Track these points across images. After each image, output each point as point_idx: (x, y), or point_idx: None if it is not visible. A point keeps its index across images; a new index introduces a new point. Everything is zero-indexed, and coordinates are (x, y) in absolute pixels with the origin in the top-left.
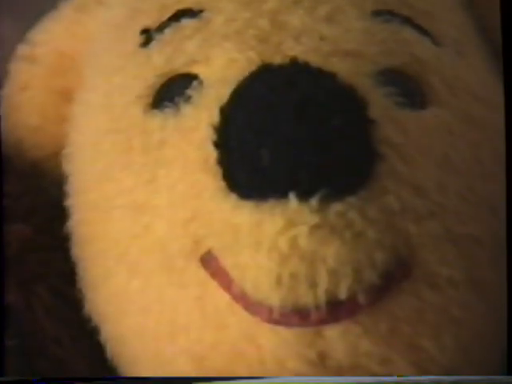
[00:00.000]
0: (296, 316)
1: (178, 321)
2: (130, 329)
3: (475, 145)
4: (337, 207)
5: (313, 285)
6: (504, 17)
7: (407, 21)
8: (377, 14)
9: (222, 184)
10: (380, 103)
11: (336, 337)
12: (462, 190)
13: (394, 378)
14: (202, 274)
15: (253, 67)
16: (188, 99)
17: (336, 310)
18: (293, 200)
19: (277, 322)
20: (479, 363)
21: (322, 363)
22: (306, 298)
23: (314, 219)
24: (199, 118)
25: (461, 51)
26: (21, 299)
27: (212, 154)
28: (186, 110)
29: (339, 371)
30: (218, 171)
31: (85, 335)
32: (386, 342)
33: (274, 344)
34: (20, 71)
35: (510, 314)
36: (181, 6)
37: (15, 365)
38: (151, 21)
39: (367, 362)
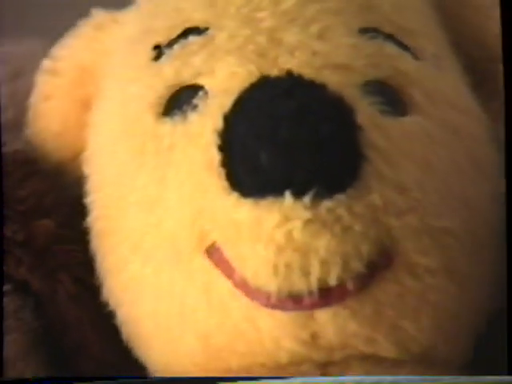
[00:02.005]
0: (291, 301)
1: (187, 304)
2: (144, 312)
3: (451, 148)
4: (327, 204)
5: (306, 273)
6: (504, 17)
7: (390, 37)
8: (363, 31)
9: (225, 183)
10: (366, 111)
11: (327, 319)
12: (438, 189)
13: (394, 378)
14: (207, 263)
15: (253, 79)
16: (195, 108)
17: (326, 295)
18: (288, 198)
19: (274, 307)
20: (453, 341)
21: (313, 343)
22: (299, 284)
23: (307, 215)
24: (205, 124)
25: (438, 65)
26: (46, 286)
27: (216, 156)
28: (193, 117)
29: (329, 350)
30: (221, 172)
31: (103, 318)
32: (371, 323)
33: (271, 326)
34: (45, 83)
35: (509, 313)
36: (188, 25)
37: (41, 344)
38: (162, 38)
39: (354, 342)
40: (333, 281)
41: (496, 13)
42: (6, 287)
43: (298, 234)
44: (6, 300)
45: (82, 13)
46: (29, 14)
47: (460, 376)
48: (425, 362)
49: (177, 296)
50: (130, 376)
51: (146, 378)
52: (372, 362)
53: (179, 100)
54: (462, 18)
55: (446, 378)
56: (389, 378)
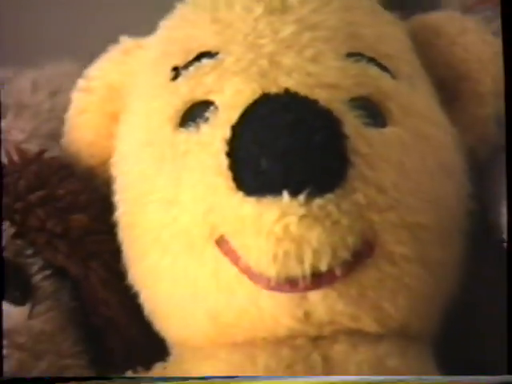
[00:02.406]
0: (288, 284)
1: (199, 287)
2: (162, 294)
3: (423, 154)
4: (319, 202)
5: (300, 261)
6: (504, 17)
7: (372, 61)
8: (349, 55)
9: (232, 184)
10: (352, 123)
11: (318, 300)
12: (413, 189)
13: (394, 378)
14: (217, 252)
15: (256, 96)
16: (206, 120)
17: (318, 279)
18: (285, 196)
19: (273, 289)
20: (425, 318)
21: (307, 320)
22: (295, 270)
23: (302, 211)
24: (215, 134)
25: (412, 84)
26: (81, 272)
27: (224, 161)
28: (205, 128)
29: (320, 326)
30: (228, 175)
31: (128, 298)
32: (355, 303)
33: (271, 305)
34: (79, 99)
35: (509, 313)
36: (202, 50)
37: (76, 321)
38: (179, 61)
39: (341, 319)
40: (323, 267)
41: (461, 39)
42: (46, 272)
43: (293, 228)
44: (46, 283)
45: (112, 39)
46: (66, 40)
47: (460, 376)
48: (401, 335)
49: (190, 280)
50: (130, 376)
51: (145, 377)
52: (356, 336)
53: (193, 114)
54: (431, 44)
55: (446, 378)
56: (388, 378)
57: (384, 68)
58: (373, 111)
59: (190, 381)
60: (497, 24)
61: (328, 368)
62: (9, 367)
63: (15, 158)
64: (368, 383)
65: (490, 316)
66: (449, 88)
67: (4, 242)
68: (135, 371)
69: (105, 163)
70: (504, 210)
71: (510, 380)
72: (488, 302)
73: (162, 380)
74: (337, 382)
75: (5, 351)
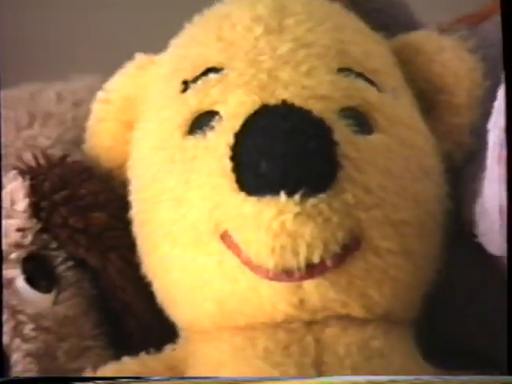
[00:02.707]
0: (284, 274)
1: (205, 277)
2: (172, 282)
3: (405, 159)
4: (312, 201)
5: (296, 253)
6: (504, 17)
7: (360, 75)
8: (340, 70)
9: (235, 185)
10: (341, 131)
11: (311, 288)
12: (396, 190)
13: (394, 378)
14: (221, 246)
15: (256, 107)
16: (212, 128)
17: (311, 270)
18: (282, 196)
19: (271, 279)
20: (407, 305)
21: (301, 306)
22: (291, 262)
23: (297, 209)
24: (220, 141)
25: (396, 95)
26: (100, 263)
27: (228, 165)
28: (211, 135)
29: (313, 312)
30: (232, 177)
31: (143, 286)
32: (345, 291)
33: (269, 293)
34: (99, 109)
35: (509, 313)
36: (208, 65)
37: (96, 306)
38: (188, 75)
39: (332, 305)
40: (316, 259)
41: (439, 56)
42: (69, 263)
43: (289, 224)
44: (69, 273)
45: (128, 56)
46: (87, 57)
47: (460, 376)
48: (385, 320)
49: (197, 270)
50: (131, 376)
51: (145, 378)
52: (345, 321)
53: (200, 122)
54: (412, 60)
55: (446, 378)
56: (388, 377)
57: (371, 82)
58: (360, 120)
59: (190, 381)
60: (472, 42)
61: (320, 349)
62: (36, 348)
63: (41, 161)
64: (368, 383)
65: (465, 297)
66: (428, 100)
67: (31, 237)
68: (148, 352)
69: (121, 166)
70: (476, 208)
71: (510, 380)
72: (463, 285)
73: (163, 380)
74: (337, 382)
75: (33, 333)
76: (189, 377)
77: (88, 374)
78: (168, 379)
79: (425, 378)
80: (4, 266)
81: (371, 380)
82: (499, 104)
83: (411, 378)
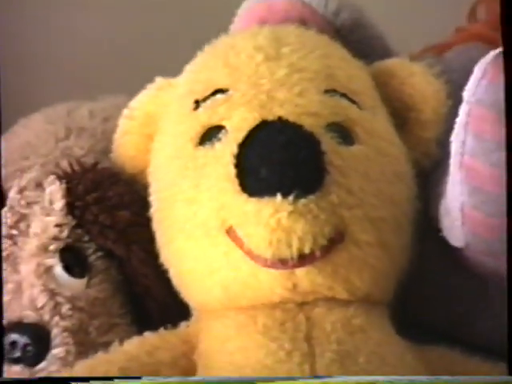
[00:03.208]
0: (280, 263)
1: (213, 265)
2: (186, 270)
3: (382, 165)
4: (303, 201)
5: (289, 246)
6: (504, 17)
7: (344, 96)
8: (327, 91)
9: (238, 188)
10: (328, 142)
11: (303, 275)
12: (374, 192)
13: (394, 378)
14: (227, 239)
15: (257, 122)
16: (219, 140)
17: (302, 260)
18: (278, 197)
19: (269, 267)
20: (383, 290)
21: (294, 290)
22: (285, 253)
23: (290, 208)
24: (225, 151)
25: (374, 112)
26: (125, 254)
27: (233, 171)
28: (218, 146)
29: (304, 294)
30: (236, 181)
31: (161, 273)
32: (330, 277)
33: (267, 279)
34: (124, 124)
35: (510, 313)
36: (216, 87)
37: (122, 290)
38: (199, 96)
39: (320, 289)
40: (307, 250)
41: (409, 80)
42: (99, 254)
43: (284, 221)
44: (99, 262)
45: (149, 79)
46: (114, 79)
47: (460, 376)
48: (365, 301)
49: (207, 260)
50: (133, 377)
51: (146, 378)
52: (331, 302)
53: (209, 135)
54: (387, 83)
55: (446, 378)
56: (388, 378)
57: (353, 101)
58: (344, 133)
59: (189, 381)
60: (437, 68)
61: (310, 326)
62: (71, 325)
63: (76, 168)
64: (368, 383)
65: (431, 281)
66: (400, 116)
67: (67, 232)
68: (166, 328)
69: (143, 172)
70: (440, 208)
71: (510, 380)
72: (429, 271)
73: (163, 380)
74: (337, 382)
75: (69, 312)
76: (189, 377)
77: (114, 346)
78: (168, 379)
79: (425, 378)
80: (44, 256)
81: (372, 380)
82: (460, 120)
83: (413, 378)
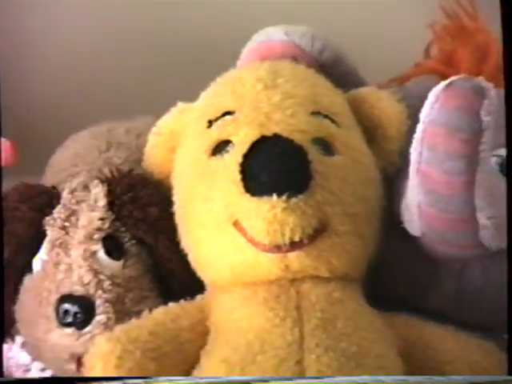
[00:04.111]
0: (276, 249)
1: (223, 251)
2: (201, 254)
3: (356, 172)
4: (294, 200)
5: (283, 235)
6: (504, 17)
7: (327, 117)
8: (313, 113)
9: (243, 190)
10: (313, 153)
11: (293, 258)
12: (351, 192)
13: (394, 378)
14: (234, 230)
15: (257, 137)
16: (227, 151)
17: (293, 246)
18: (274, 197)
19: (267, 251)
20: (358, 270)
21: (287, 269)
22: (280, 240)
23: (284, 205)
24: (233, 160)
25: (350, 129)
26: (153, 242)
27: (238, 176)
28: (227, 156)
29: (295, 273)
30: (241, 184)
31: (182, 257)
32: (316, 259)
33: (266, 261)
34: (153, 139)
35: (510, 313)
36: (225, 110)
37: (151, 271)
38: (212, 116)
39: (307, 269)
40: (297, 239)
41: (377, 104)
42: (133, 241)
43: (279, 215)
44: (132, 248)
45: (173, 103)
46: (146, 104)
47: (460, 376)
48: (343, 279)
49: (218, 246)
50: (132, 377)
51: (145, 378)
52: (316, 279)
53: (220, 148)
54: (360, 107)
55: (446, 378)
56: (388, 377)
57: (333, 121)
58: (326, 146)
59: (190, 381)
60: (399, 95)
61: (299, 298)
62: (111, 297)
63: (115, 174)
64: (368, 383)
65: (394, 263)
66: (370, 133)
67: (108, 224)
68: (185, 300)
69: (168, 177)
70: (402, 205)
71: (510, 380)
72: (393, 254)
73: (163, 380)
74: (337, 382)
75: (109, 287)
76: (189, 377)
77: (144, 314)
78: (168, 379)
79: (427, 378)
80: (90, 243)
81: (374, 381)
82: (417, 136)
83: (413, 378)
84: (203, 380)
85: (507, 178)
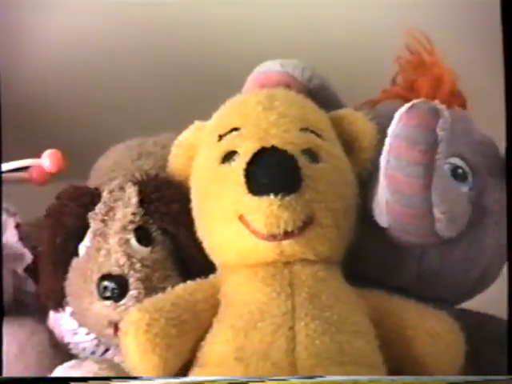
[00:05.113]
0: (272, 238)
1: (230, 239)
2: (213, 242)
3: (338, 176)
4: (287, 199)
5: (278, 227)
6: (504, 17)
7: (313, 132)
8: (302, 129)
9: (246, 191)
10: (303, 161)
11: (287, 244)
12: (333, 192)
13: (394, 378)
14: (239, 222)
15: (258, 148)
16: (234, 160)
17: (286, 235)
18: (272, 196)
19: (265, 240)
20: (337, 254)
21: (281, 254)
22: (276, 231)
23: (279, 203)
24: (238, 167)
25: (331, 142)
26: (175, 231)
27: (243, 179)
28: (234, 164)
29: (287, 257)
30: (245, 186)
31: (199, 244)
32: (304, 246)
33: (264, 247)
34: (174, 150)
35: (510, 313)
36: (232, 127)
37: (174, 255)
38: (222, 132)
39: (297, 253)
40: (289, 229)
41: (355, 122)
42: (159, 231)
43: (275, 211)
44: (159, 236)
45: (191, 122)
46: (168, 123)
47: (460, 376)
48: (326, 262)
49: (226, 235)
50: (131, 377)
51: (147, 378)
52: (305, 262)
53: (228, 157)
54: (340, 124)
55: (446, 378)
56: (388, 377)
57: (318, 135)
58: (313, 156)
59: (190, 381)
60: (371, 115)
61: (292, 277)
62: (141, 276)
63: (144, 177)
64: (368, 383)
65: (366, 248)
66: (348, 145)
67: (139, 217)
68: (201, 278)
69: (187, 180)
70: (373, 202)
71: (510, 380)
72: (366, 241)
73: (163, 380)
74: (337, 381)
75: (140, 268)
76: (189, 377)
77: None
78: (168, 379)
79: (428, 378)
80: (124, 233)
81: (373, 381)
82: (385, 147)
83: (413, 378)
84: (204, 380)
85: (507, 178)
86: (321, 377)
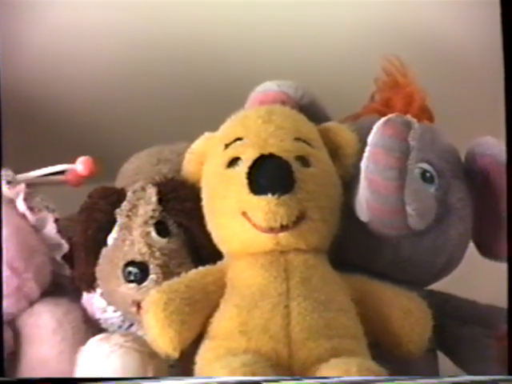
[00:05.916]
0: (270, 230)
1: (234, 231)
2: (221, 234)
3: (326, 178)
4: (283, 197)
5: (275, 221)
6: (504, 17)
7: (304, 141)
8: (295, 139)
9: (248, 191)
10: (296, 166)
11: (282, 236)
12: (321, 192)
13: (394, 378)
14: (242, 217)
15: (258, 155)
16: (238, 165)
17: (282, 228)
18: (270, 195)
19: (265, 232)
20: (325, 244)
21: (278, 244)
22: (273, 225)
23: (276, 201)
24: (242, 171)
25: (320, 150)
26: (189, 224)
27: (245, 181)
28: (237, 168)
29: (283, 246)
30: (247, 187)
31: (208, 235)
32: (298, 237)
33: (264, 239)
34: (188, 157)
35: (510, 314)
36: (236, 137)
37: (188, 245)
38: (228, 141)
39: (291, 244)
40: (284, 224)
41: (340, 133)
42: (175, 225)
43: (273, 208)
44: (174, 229)
45: (201, 133)
46: (185, 133)
47: (460, 376)
48: (316, 251)
49: (231, 228)
50: (132, 377)
51: (145, 378)
52: (298, 251)
53: (233, 162)
54: (327, 134)
55: (446, 378)
56: (388, 377)
57: (309, 144)
58: (304, 161)
59: (190, 381)
60: (353, 127)
61: (286, 263)
62: (160, 263)
63: (163, 180)
64: (367, 383)
65: (351, 240)
66: (333, 152)
67: (158, 213)
68: (211, 264)
69: (199, 182)
70: (355, 201)
71: (510, 380)
72: (349, 233)
73: (163, 380)
74: (337, 382)
75: (159, 256)
76: (189, 377)
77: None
78: (168, 379)
79: (424, 378)
80: (146, 226)
81: (373, 381)
82: (365, 154)
83: (411, 378)
84: (203, 380)
85: (507, 178)
86: (325, 378)
